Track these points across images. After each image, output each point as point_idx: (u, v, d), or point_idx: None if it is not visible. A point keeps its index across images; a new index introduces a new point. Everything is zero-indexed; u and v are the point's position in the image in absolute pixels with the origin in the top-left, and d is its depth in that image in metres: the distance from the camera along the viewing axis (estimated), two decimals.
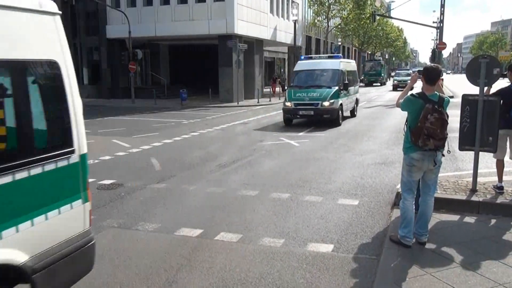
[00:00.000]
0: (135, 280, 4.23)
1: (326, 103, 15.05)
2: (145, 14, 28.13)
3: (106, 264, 4.58)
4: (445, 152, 4.74)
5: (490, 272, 4.10)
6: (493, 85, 6.27)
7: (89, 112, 22.58)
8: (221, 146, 11.76)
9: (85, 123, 12.98)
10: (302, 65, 17.50)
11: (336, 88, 15.54)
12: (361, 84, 55.82)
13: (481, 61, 5.92)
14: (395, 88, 40.47)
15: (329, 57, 18.24)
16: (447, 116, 4.51)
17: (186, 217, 6.05)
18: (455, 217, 5.63)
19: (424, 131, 4.39)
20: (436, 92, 4.62)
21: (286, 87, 33.55)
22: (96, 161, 9.84)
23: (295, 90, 16.29)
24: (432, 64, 4.76)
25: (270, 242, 5.11)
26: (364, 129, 14.85)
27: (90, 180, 8.22)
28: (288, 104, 15.99)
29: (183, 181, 7.95)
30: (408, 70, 51.38)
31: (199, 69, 34.60)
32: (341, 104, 15.71)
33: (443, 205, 5.80)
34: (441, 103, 4.52)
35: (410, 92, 4.87)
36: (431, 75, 4.58)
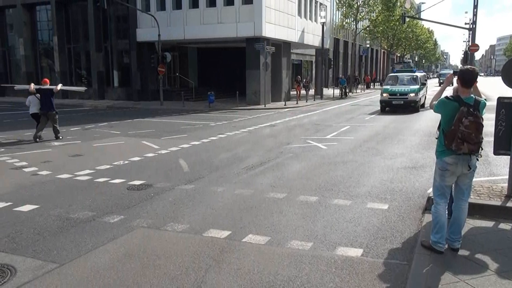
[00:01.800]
0: (164, 280, 4.27)
1: None
2: (174, 18, 28.52)
3: (136, 263, 4.64)
4: None
5: None
6: None
7: (118, 114, 23.05)
8: (248, 148, 11.79)
9: (115, 125, 13.30)
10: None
11: None
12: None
13: None
14: (385, 107, 21.73)
15: None
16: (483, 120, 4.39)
17: (214, 218, 6.08)
18: (489, 223, 5.46)
19: (458, 134, 4.28)
20: (472, 95, 4.49)
21: (309, 88, 33.29)
22: (126, 162, 10.02)
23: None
24: (469, 67, 4.62)
25: (298, 245, 5.08)
26: (393, 132, 14.61)
27: (120, 180, 8.42)
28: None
29: (211, 183, 8.00)
30: (413, 71, 25.54)
31: (227, 72, 34.80)
32: None
33: (477, 210, 5.64)
34: (477, 106, 4.39)
35: (444, 94, 4.75)
36: (468, 78, 4.46)
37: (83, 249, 5.03)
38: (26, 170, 9.33)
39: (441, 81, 53.38)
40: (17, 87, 17.67)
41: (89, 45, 32.08)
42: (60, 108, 26.75)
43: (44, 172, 9.04)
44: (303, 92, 31.33)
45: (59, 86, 14.43)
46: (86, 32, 32.21)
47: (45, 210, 6.49)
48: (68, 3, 33.09)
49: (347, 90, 36.94)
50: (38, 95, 13.59)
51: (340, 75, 41.86)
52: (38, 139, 13.36)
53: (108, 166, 9.52)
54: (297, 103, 28.05)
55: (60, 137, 13.81)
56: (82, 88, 20.48)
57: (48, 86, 13.76)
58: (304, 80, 34.33)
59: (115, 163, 9.87)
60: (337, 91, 35.97)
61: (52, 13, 33.03)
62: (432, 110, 4.83)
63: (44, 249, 5.07)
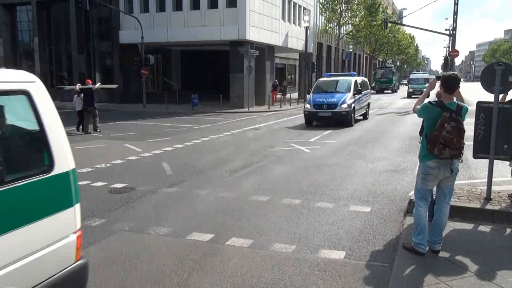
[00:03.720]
0: (146, 284, 4.23)
1: None
2: (157, 20, 28.37)
3: (117, 268, 4.59)
4: None
5: (506, 282, 4.03)
6: (510, 92, 6.20)
7: (101, 117, 22.69)
8: (232, 152, 11.77)
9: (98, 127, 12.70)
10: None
11: None
12: (372, 91, 55.39)
13: (496, 68, 5.84)
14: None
15: None
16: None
17: (197, 221, 6.04)
18: (469, 226, 5.55)
19: (440, 139, 4.35)
20: (454, 100, 4.57)
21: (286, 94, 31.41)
22: (108, 165, 9.90)
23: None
24: (451, 73, 4.69)
25: (282, 248, 5.08)
26: (375, 136, 14.75)
27: (101, 183, 8.31)
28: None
29: (194, 186, 7.96)
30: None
31: (211, 75, 34.76)
32: None
33: (457, 213, 5.72)
34: (459, 111, 4.47)
35: (427, 99, 4.81)
36: (451, 84, 4.53)
37: None
38: None
39: (410, 90, 40.85)
40: (67, 87, 20.62)
41: (70, 46, 31.67)
42: None
43: None
44: (279, 97, 30.34)
45: (97, 85, 16.99)
46: (68, 34, 31.78)
47: None
48: (50, 4, 32.60)
49: None
50: (82, 95, 15.92)
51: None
52: (93, 130, 16.12)
53: (89, 169, 9.39)
54: (280, 107, 28.14)
55: (99, 130, 16.13)
56: (114, 86, 22.67)
57: (89, 86, 16.15)
58: (280, 85, 31.52)
59: (97, 166, 9.74)
60: None
61: (33, 13, 32.21)
62: (414, 115, 4.90)
63: None
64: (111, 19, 30.31)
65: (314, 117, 17.77)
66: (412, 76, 48.03)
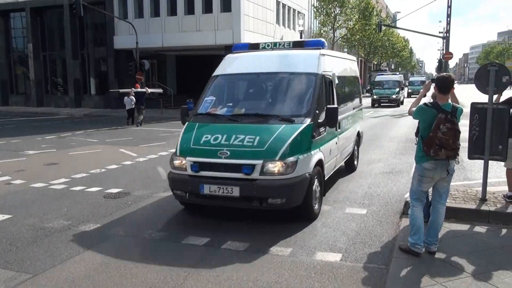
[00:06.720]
0: None
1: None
2: (152, 25, 28.36)
3: (113, 272, 4.55)
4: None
5: (503, 283, 4.03)
6: (503, 93, 6.23)
7: (96, 122, 22.72)
8: None
9: (92, 133, 13.01)
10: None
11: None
12: (367, 94, 55.44)
13: (490, 68, 5.87)
14: None
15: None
16: None
17: (193, 225, 6.02)
18: (465, 227, 5.56)
19: (436, 141, 4.36)
20: (449, 101, 4.58)
21: None
22: (103, 170, 9.85)
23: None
24: (445, 74, 4.71)
25: (278, 251, 5.06)
26: (370, 138, 14.75)
27: (96, 188, 8.24)
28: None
29: None
30: None
31: (206, 79, 34.65)
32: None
33: (453, 214, 5.72)
34: (454, 113, 4.48)
35: (423, 101, 4.83)
36: (444, 84, 4.55)
37: (58, 259, 4.91)
38: None
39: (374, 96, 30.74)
40: (122, 90, 22.98)
41: (65, 52, 31.57)
42: (34, 117, 26.31)
43: (17, 181, 8.81)
44: None
45: (149, 90, 22.60)
46: (62, 40, 31.70)
47: (18, 220, 6.32)
48: (44, 10, 32.53)
49: None
50: (132, 97, 19.91)
51: None
52: (139, 125, 19.95)
53: (84, 175, 9.35)
54: None
55: (139, 125, 19.92)
56: (159, 90, 25.97)
57: (140, 89, 20.95)
58: None
59: (92, 171, 9.70)
60: None
61: (27, 20, 32.41)
62: (409, 117, 4.91)
63: (17, 259, 4.93)
64: (105, 24, 30.25)
65: None
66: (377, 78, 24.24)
